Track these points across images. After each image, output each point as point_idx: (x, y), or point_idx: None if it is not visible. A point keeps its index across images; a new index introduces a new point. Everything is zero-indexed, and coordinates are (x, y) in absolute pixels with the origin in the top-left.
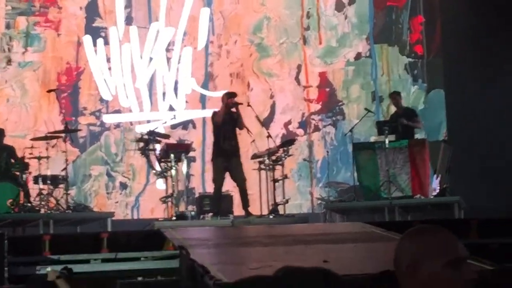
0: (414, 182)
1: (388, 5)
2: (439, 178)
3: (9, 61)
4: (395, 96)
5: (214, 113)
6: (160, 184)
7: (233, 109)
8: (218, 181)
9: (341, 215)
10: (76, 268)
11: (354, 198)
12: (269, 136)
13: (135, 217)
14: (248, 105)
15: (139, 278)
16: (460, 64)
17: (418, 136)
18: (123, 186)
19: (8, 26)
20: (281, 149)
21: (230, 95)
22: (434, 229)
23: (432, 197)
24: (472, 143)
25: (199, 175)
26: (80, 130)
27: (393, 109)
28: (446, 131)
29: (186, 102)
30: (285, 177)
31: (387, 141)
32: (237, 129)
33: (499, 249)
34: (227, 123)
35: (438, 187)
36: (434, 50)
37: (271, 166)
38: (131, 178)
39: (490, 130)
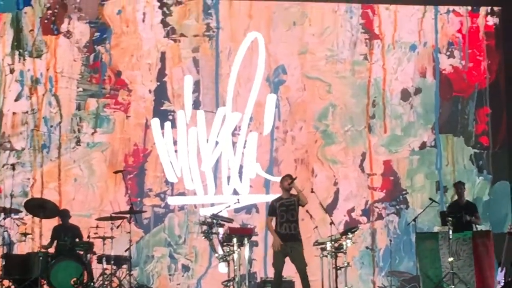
0: (478, 275)
1: (454, 96)
2: (503, 271)
3: (78, 142)
4: (460, 186)
5: (271, 201)
6: (223, 267)
7: (292, 191)
8: (277, 265)
9: None
10: None
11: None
12: (332, 223)
13: None
14: (312, 192)
15: None
16: None
17: (482, 227)
18: (186, 268)
19: (78, 108)
20: (344, 237)
21: (286, 179)
22: None
23: None
24: None
25: (261, 259)
26: (145, 211)
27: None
28: (511, 223)
29: (250, 186)
30: (348, 264)
31: (451, 232)
32: (299, 214)
33: None
34: (284, 208)
35: (503, 280)
36: (500, 141)
37: (333, 253)
38: (194, 261)
39: None
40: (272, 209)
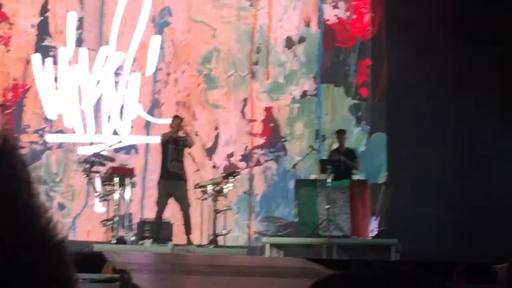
0: (353, 222)
1: (337, 46)
2: (377, 220)
3: None
4: (342, 135)
5: (163, 133)
6: (99, 207)
7: (182, 133)
8: (161, 204)
9: (278, 250)
10: None
11: (293, 234)
12: (214, 166)
13: (71, 238)
14: (196, 135)
15: None
16: (403, 109)
17: (359, 177)
18: (61, 206)
19: None
20: (225, 180)
21: (174, 119)
22: None
23: (370, 238)
24: (411, 187)
25: (139, 200)
26: (22, 147)
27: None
28: (387, 174)
29: (131, 127)
30: (228, 208)
31: (329, 180)
32: (184, 154)
33: None
34: (174, 145)
35: (377, 229)
36: (378, 93)
37: (214, 197)
38: (70, 199)
39: (429, 175)
40: (165, 138)
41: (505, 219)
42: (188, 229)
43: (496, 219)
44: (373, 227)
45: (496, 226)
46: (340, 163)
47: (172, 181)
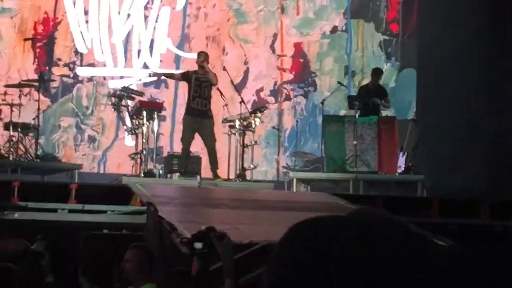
0: (380, 158)
1: None
2: (405, 156)
3: None
4: (378, 74)
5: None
6: (129, 140)
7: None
8: (186, 140)
9: (306, 185)
10: (43, 216)
11: (320, 169)
12: (242, 101)
13: (101, 171)
14: (224, 69)
15: (105, 231)
16: (434, 45)
17: (387, 113)
18: (92, 139)
19: None
20: (252, 115)
21: (200, 55)
22: None
23: (397, 174)
24: (440, 124)
25: (168, 134)
26: (54, 80)
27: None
28: (416, 111)
29: (161, 61)
30: (255, 143)
31: (357, 116)
32: (212, 91)
33: (458, 230)
34: (198, 83)
35: (404, 165)
36: (409, 29)
37: (241, 131)
38: (100, 132)
39: (458, 113)
40: (186, 75)
41: None
42: (214, 165)
43: None
44: (400, 163)
45: None
46: (370, 100)
47: (196, 117)
